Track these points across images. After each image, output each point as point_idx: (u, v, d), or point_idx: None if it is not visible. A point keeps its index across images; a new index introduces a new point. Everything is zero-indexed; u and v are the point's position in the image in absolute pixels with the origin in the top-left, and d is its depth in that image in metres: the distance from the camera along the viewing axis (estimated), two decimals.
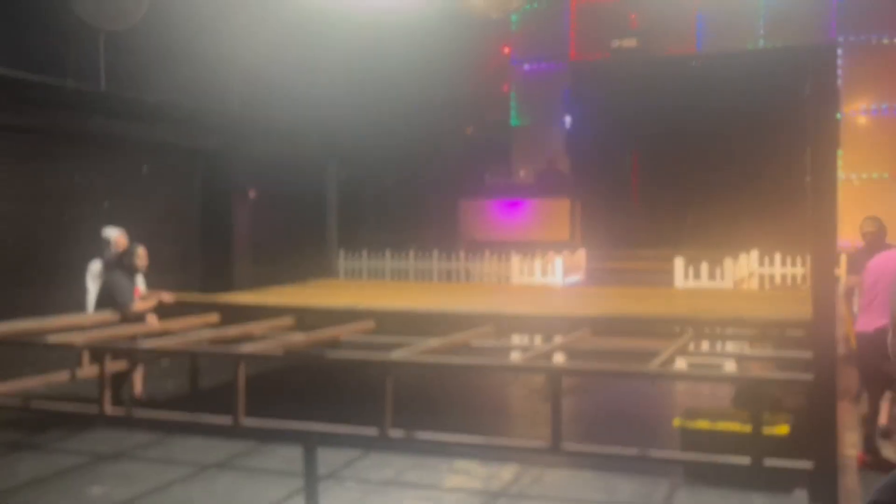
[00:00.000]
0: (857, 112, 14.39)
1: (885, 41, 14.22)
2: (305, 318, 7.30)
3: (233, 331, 6.81)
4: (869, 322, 6.24)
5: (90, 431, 7.25)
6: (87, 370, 6.64)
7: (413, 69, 14.28)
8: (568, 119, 16.23)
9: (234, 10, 11.71)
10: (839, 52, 14.42)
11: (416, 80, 14.55)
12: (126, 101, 11.01)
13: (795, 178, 13.33)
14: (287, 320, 7.22)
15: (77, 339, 6.41)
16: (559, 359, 8.40)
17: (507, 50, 16.57)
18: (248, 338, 6.79)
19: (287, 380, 9.07)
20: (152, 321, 7.67)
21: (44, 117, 10.43)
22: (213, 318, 7.49)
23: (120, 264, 7.90)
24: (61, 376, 6.78)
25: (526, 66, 16.47)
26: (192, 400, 8.14)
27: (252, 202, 13.49)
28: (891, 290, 6.51)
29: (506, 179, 15.34)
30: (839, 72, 14.40)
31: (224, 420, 5.52)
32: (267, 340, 6.38)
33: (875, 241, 7.19)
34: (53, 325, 6.85)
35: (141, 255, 7.93)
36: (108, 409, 5.92)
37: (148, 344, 6.45)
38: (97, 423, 7.18)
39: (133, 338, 6.91)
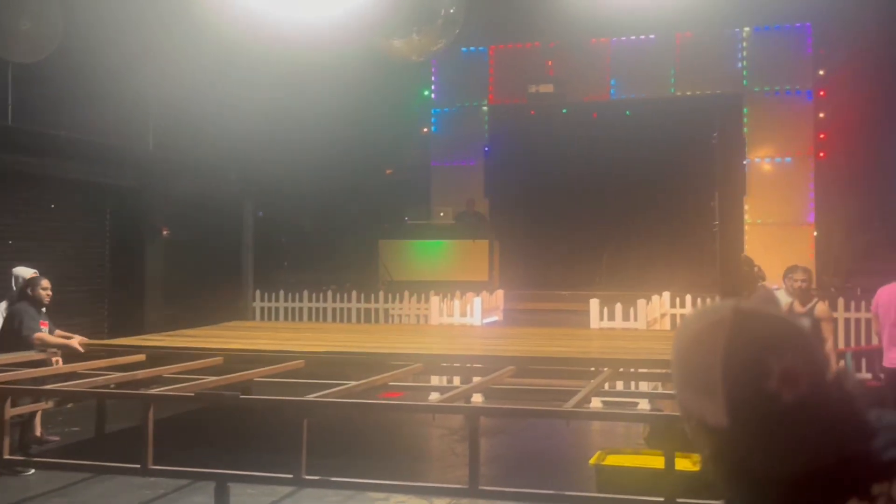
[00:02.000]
0: (762, 159, 15.06)
1: (789, 93, 14.97)
2: (223, 361, 7.16)
3: (143, 373, 6.63)
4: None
5: None
6: None
7: (334, 109, 14.31)
8: (487, 161, 16.50)
9: (151, 48, 11.57)
10: (745, 101, 15.11)
11: (336, 120, 14.59)
12: (34, 135, 10.71)
13: (705, 222, 13.81)
14: (201, 362, 7.07)
15: None
16: (478, 399, 8.45)
17: (427, 92, 16.80)
18: (159, 380, 6.62)
19: (203, 422, 8.85)
20: (58, 362, 7.41)
21: None
22: (137, 357, 7.27)
23: (24, 296, 7.70)
24: None
25: (446, 109, 16.72)
26: (99, 444, 7.86)
27: (165, 241, 13.20)
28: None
29: (425, 220, 15.44)
30: (745, 121, 15.07)
31: (132, 465, 5.35)
32: (178, 383, 6.22)
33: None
34: None
35: (45, 286, 7.76)
36: (7, 454, 5.67)
37: (53, 386, 6.22)
38: None
39: (36, 380, 6.67)
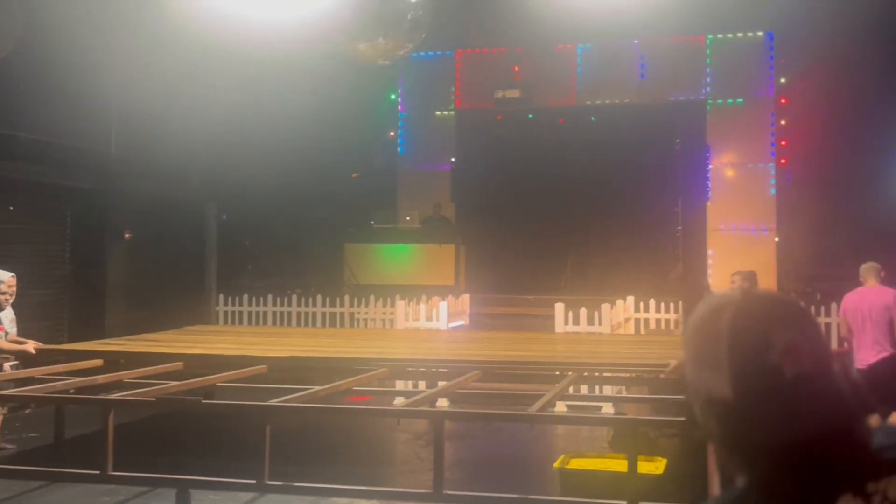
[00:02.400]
0: (724, 165, 15.26)
1: (751, 100, 15.20)
2: (185, 366, 7.09)
3: (103, 378, 6.54)
4: (873, 355, 7.41)
5: None
6: None
7: (300, 113, 14.25)
8: (454, 165, 16.52)
9: (114, 49, 11.42)
10: (708, 108, 15.31)
11: (302, 123, 14.52)
12: None
13: (669, 227, 13.97)
14: (162, 367, 6.99)
15: None
16: (443, 403, 8.45)
17: (394, 96, 16.80)
18: (120, 385, 6.53)
19: (164, 428, 8.74)
20: (17, 365, 7.28)
21: None
22: (95, 362, 7.17)
23: None
24: None
25: (413, 113, 16.73)
26: (59, 450, 7.74)
27: (127, 244, 13.04)
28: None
29: (392, 224, 15.43)
30: (708, 127, 15.26)
31: (91, 471, 5.27)
32: (139, 388, 6.15)
33: None
34: None
35: (2, 290, 7.57)
36: None
37: (11, 391, 6.11)
38: None
39: None
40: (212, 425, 8.16)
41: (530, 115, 16.00)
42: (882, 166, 13.79)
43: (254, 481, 5.09)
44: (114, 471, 5.21)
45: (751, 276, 8.00)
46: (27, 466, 6.26)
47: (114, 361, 7.23)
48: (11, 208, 11.68)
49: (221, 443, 7.67)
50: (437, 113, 16.56)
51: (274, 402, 5.41)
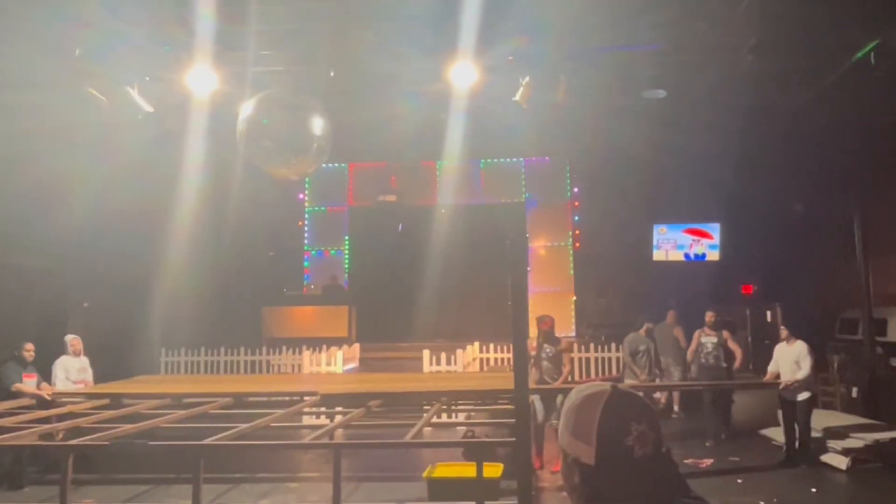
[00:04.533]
0: (538, 247, 15.91)
1: (555, 203, 16.00)
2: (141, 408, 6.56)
3: (63, 425, 5.95)
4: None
5: None
6: None
7: (229, 207, 13.77)
8: (347, 247, 16.40)
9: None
10: (527, 207, 15.98)
11: (230, 214, 14.03)
12: None
13: (503, 293, 14.29)
14: (115, 412, 6.45)
15: None
16: (339, 434, 8.19)
17: (301, 196, 16.60)
18: (71, 417, 5.99)
19: (109, 454, 8.00)
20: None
21: None
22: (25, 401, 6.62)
23: (13, 357, 7.49)
24: None
25: (316, 208, 16.58)
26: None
27: (85, 311, 12.05)
28: None
29: (299, 291, 15.07)
30: (528, 221, 15.86)
31: None
32: (94, 433, 5.63)
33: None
34: None
35: (28, 348, 7.55)
36: None
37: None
38: None
39: None
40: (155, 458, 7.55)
41: (400, 227, 16.04)
42: (644, 248, 14.75)
43: None
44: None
45: (549, 319, 8.31)
46: None
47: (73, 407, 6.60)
48: None
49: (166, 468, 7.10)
50: (334, 209, 16.50)
51: (208, 440, 5.08)
